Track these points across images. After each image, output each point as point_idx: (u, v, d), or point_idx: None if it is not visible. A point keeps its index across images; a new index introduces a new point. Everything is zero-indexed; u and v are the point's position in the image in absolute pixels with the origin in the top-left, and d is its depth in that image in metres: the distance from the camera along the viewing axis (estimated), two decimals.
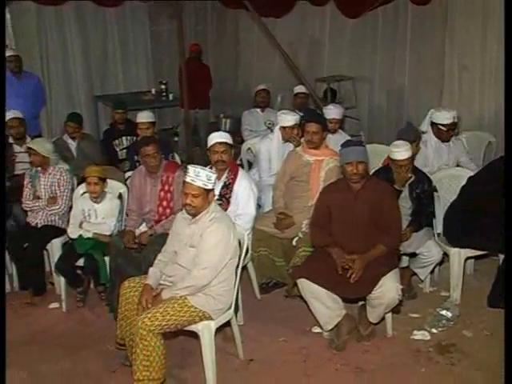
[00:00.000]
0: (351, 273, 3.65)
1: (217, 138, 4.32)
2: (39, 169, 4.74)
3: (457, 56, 6.34)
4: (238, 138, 6.72)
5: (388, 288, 3.63)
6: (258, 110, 6.63)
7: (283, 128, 5.00)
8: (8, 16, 7.60)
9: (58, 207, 4.68)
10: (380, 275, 3.65)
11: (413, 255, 4.33)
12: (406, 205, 4.20)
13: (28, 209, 4.76)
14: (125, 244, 4.23)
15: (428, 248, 4.20)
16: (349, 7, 7.57)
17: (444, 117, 4.75)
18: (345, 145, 3.89)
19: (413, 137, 4.48)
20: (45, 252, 4.68)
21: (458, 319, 4.11)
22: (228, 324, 3.72)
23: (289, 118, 4.97)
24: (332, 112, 5.30)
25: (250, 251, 4.20)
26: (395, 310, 3.92)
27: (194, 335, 3.58)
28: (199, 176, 3.37)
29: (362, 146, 3.87)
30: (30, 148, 4.73)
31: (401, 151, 4.10)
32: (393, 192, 4.00)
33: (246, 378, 3.66)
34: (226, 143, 4.29)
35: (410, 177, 4.19)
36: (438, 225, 4.46)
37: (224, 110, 8.69)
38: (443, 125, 4.76)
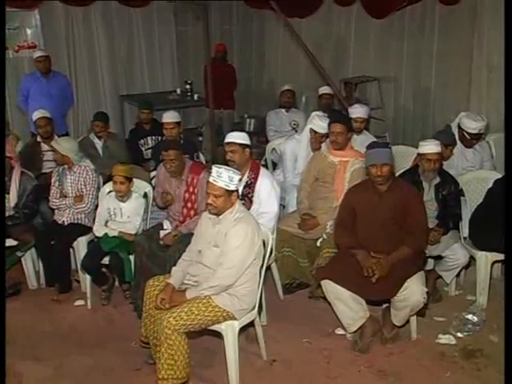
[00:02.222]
0: (374, 272, 3.64)
1: (227, 137, 4.30)
2: (66, 167, 4.81)
3: (485, 56, 6.28)
4: (263, 138, 6.74)
5: (413, 291, 3.61)
6: (283, 110, 6.63)
7: (314, 132, 4.90)
8: (37, 17, 7.76)
9: (84, 205, 4.74)
10: (405, 278, 3.64)
11: (438, 258, 4.31)
12: (431, 207, 4.18)
13: (55, 207, 4.82)
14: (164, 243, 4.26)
15: (454, 251, 4.18)
16: (375, 7, 7.55)
17: (470, 126, 4.73)
18: (370, 146, 3.88)
19: (449, 141, 4.49)
20: (71, 250, 4.74)
21: (485, 324, 4.07)
22: (251, 324, 3.73)
23: (324, 126, 4.79)
24: (357, 111, 5.27)
25: (273, 251, 4.20)
26: (420, 313, 3.89)
27: (218, 335, 3.60)
28: (221, 177, 3.39)
29: (387, 148, 3.85)
30: (52, 147, 4.82)
31: (430, 145, 4.13)
32: (419, 194, 3.99)
33: (269, 378, 3.67)
34: (234, 143, 4.23)
35: (439, 173, 4.18)
36: (465, 228, 4.43)
37: (248, 110, 8.74)
38: (468, 133, 4.75)
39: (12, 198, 4.74)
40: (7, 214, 4.71)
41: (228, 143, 4.25)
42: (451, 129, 4.82)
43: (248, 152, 4.27)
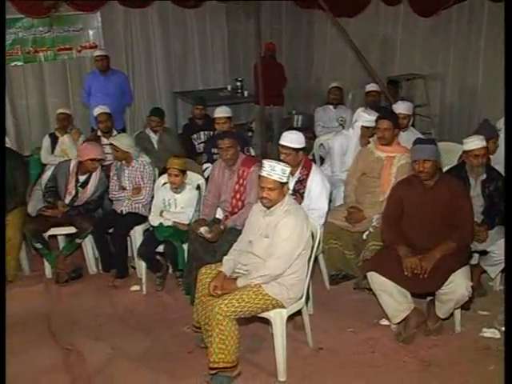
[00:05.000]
0: (414, 271, 3.69)
1: (282, 139, 4.32)
2: (124, 162, 5.01)
3: None
4: (310, 133, 6.83)
5: (458, 284, 3.64)
6: (331, 106, 6.71)
7: (366, 128, 4.95)
8: (99, 19, 8.11)
9: (141, 197, 4.93)
10: (450, 271, 3.66)
11: (484, 253, 4.30)
12: (478, 203, 4.18)
13: (114, 199, 5.05)
14: (193, 229, 4.39)
15: (499, 246, 4.13)
16: (423, 6, 7.53)
17: None
18: (415, 142, 3.92)
19: (489, 133, 4.45)
20: (128, 238, 4.94)
21: None
22: (299, 313, 3.81)
23: (371, 119, 4.85)
24: (400, 107, 5.24)
25: (321, 243, 4.25)
26: (464, 306, 3.91)
27: (266, 322, 3.71)
28: (275, 170, 3.47)
29: (432, 144, 3.87)
30: (111, 144, 5.02)
31: (475, 140, 4.14)
32: (465, 189, 4.01)
33: (315, 365, 3.74)
34: (288, 147, 4.25)
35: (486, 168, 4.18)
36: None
37: (296, 107, 8.82)
38: None
39: (87, 194, 4.99)
40: (76, 204, 4.97)
41: (282, 146, 4.30)
42: (489, 122, 4.77)
43: (301, 154, 4.32)
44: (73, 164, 5.03)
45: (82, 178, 5.00)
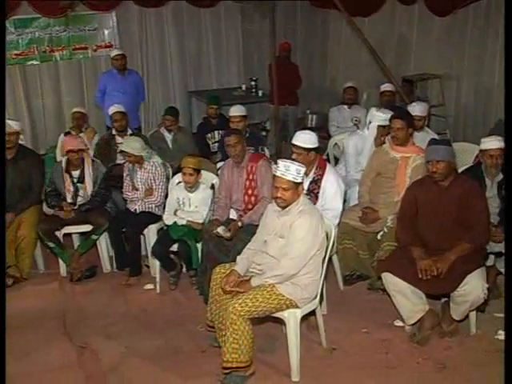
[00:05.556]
0: (428, 273, 3.66)
1: (294, 138, 4.33)
2: (136, 164, 5.02)
3: None
4: (324, 133, 6.82)
5: (473, 286, 3.61)
6: (345, 106, 6.70)
7: (382, 127, 4.92)
8: (114, 19, 8.17)
9: (154, 198, 4.95)
10: (465, 273, 3.64)
11: (499, 254, 4.25)
12: (493, 204, 4.14)
13: (128, 199, 5.07)
14: (210, 231, 4.39)
15: None
16: (439, 5, 7.50)
17: None
18: (430, 143, 3.90)
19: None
20: (142, 236, 4.96)
21: None
22: (313, 313, 3.81)
23: (385, 117, 4.84)
24: (415, 109, 5.22)
25: (335, 244, 4.25)
26: (480, 308, 3.89)
27: (280, 322, 3.71)
28: (289, 170, 3.46)
29: (446, 145, 3.84)
30: (122, 151, 5.00)
31: (492, 141, 4.12)
32: (481, 190, 3.97)
33: (328, 365, 3.74)
34: (299, 146, 4.25)
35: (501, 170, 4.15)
36: None
37: (311, 107, 8.81)
38: None
39: (88, 187, 5.02)
40: (84, 201, 5.00)
41: (294, 145, 4.31)
42: (503, 122, 4.73)
43: (313, 154, 4.31)
44: (63, 162, 5.08)
45: (75, 174, 5.03)
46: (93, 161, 5.10)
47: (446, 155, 3.76)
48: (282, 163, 3.51)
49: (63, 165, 5.05)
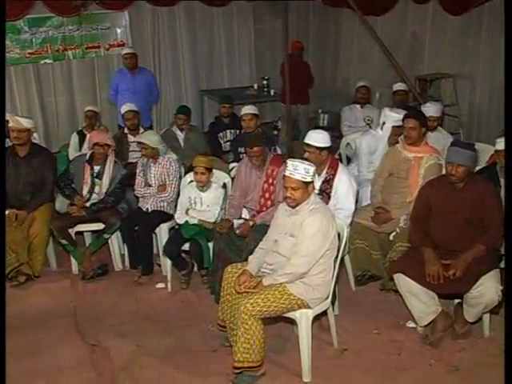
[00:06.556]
0: (437, 277, 3.65)
1: (307, 137, 4.33)
2: (150, 159, 5.04)
3: None
4: (336, 133, 6.79)
5: (487, 288, 3.58)
6: (358, 106, 6.66)
7: (397, 127, 4.89)
8: (127, 18, 8.19)
9: (167, 194, 4.96)
10: (479, 274, 3.61)
11: None
12: None
13: (140, 195, 5.08)
14: (218, 230, 4.40)
15: None
16: (452, 4, 7.43)
17: None
18: (454, 144, 3.87)
19: None
20: (153, 235, 4.97)
21: None
22: (324, 313, 3.80)
23: (398, 117, 4.82)
24: (430, 110, 5.18)
25: (347, 244, 4.23)
26: (494, 310, 3.84)
27: (292, 322, 3.70)
28: (297, 169, 3.46)
29: (470, 150, 3.77)
30: (140, 142, 5.03)
31: None
32: (496, 191, 3.93)
33: (340, 366, 3.72)
34: (310, 145, 4.27)
35: None
36: None
37: (322, 106, 8.79)
38: None
39: (104, 185, 5.04)
40: (97, 199, 5.01)
41: (306, 144, 4.30)
42: None
43: (325, 154, 4.30)
44: (88, 155, 5.11)
45: (96, 169, 5.05)
46: (115, 161, 5.12)
47: (468, 161, 3.72)
48: (290, 163, 3.51)
49: (87, 158, 5.09)
